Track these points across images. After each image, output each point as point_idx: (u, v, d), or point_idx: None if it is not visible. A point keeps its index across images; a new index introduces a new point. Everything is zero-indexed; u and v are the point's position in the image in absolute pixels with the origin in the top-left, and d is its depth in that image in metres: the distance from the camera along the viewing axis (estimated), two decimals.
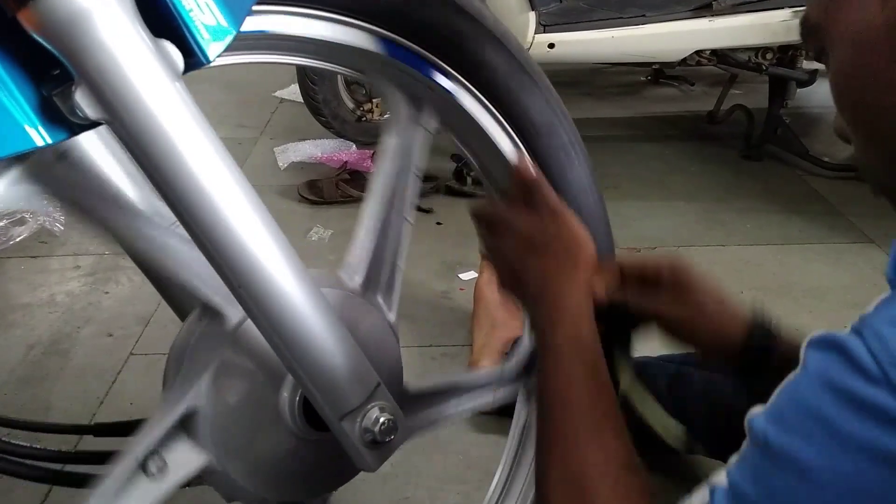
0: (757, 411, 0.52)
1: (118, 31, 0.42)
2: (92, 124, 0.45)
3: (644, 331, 0.79)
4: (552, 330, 0.68)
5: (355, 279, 0.69)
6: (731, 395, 1.10)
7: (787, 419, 0.49)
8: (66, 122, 0.45)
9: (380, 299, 0.70)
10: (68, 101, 0.44)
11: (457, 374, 0.77)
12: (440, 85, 0.68)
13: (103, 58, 0.42)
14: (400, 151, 0.71)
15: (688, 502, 0.53)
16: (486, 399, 0.79)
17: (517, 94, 0.71)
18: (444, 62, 0.67)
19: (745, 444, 0.52)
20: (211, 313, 0.61)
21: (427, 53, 0.66)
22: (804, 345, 0.51)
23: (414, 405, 0.71)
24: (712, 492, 0.51)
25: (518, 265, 0.72)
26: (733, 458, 0.52)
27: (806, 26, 0.56)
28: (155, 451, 0.59)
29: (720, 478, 0.52)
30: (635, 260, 0.77)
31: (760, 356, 0.72)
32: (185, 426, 0.60)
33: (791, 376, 0.51)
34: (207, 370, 0.60)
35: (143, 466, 0.58)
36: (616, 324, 0.75)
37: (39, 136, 0.45)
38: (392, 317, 0.70)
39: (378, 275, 0.70)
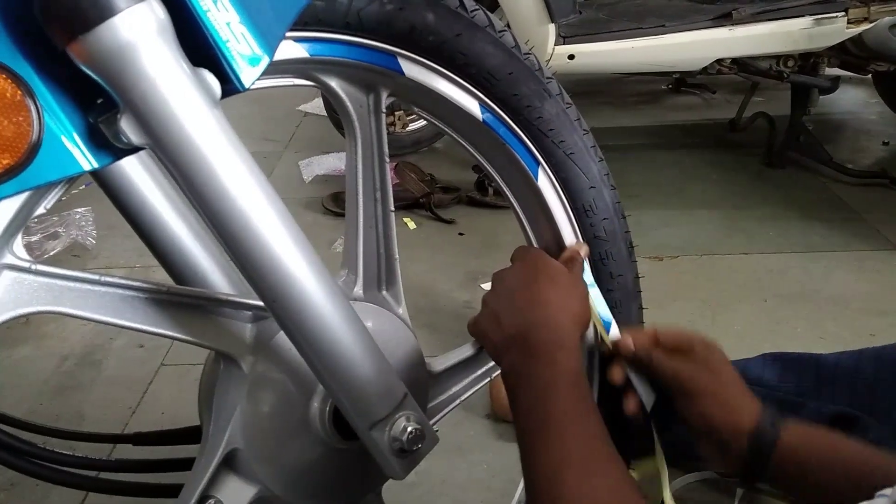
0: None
1: (160, 62, 0.45)
2: (135, 149, 0.48)
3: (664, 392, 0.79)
4: (544, 361, 0.66)
5: (353, 286, 0.71)
6: None
7: None
8: (111, 147, 0.48)
9: (384, 294, 0.72)
10: (113, 127, 0.47)
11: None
12: (402, 72, 0.67)
13: (147, 87, 0.45)
14: (367, 144, 0.72)
15: None
16: None
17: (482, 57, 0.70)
18: (406, 49, 0.66)
19: None
20: (225, 358, 0.64)
21: (380, 44, 0.65)
22: None
23: (443, 382, 0.74)
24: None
25: (498, 307, 0.71)
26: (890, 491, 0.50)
27: None
28: (208, 495, 0.62)
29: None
30: (672, 330, 0.78)
31: (769, 439, 0.72)
32: (230, 465, 0.63)
33: None
34: (236, 411, 0.63)
35: None
36: (640, 382, 0.77)
37: (86, 160, 0.48)
38: (400, 310, 0.72)
39: (377, 272, 0.72)
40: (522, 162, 0.75)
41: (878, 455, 0.69)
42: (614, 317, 0.80)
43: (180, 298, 0.60)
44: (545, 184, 0.76)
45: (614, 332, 0.79)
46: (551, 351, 0.66)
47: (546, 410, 0.62)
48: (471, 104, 0.71)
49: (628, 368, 0.77)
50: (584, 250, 0.78)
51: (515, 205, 0.79)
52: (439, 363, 0.75)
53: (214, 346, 0.63)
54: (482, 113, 0.72)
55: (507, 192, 0.79)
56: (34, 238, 1.93)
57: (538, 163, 0.75)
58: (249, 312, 0.63)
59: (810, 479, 0.71)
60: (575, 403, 0.63)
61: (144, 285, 0.58)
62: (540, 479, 0.59)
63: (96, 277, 0.56)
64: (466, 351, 0.78)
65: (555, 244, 0.79)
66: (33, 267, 0.53)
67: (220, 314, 0.62)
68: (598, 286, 0.80)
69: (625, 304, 0.83)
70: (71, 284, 0.55)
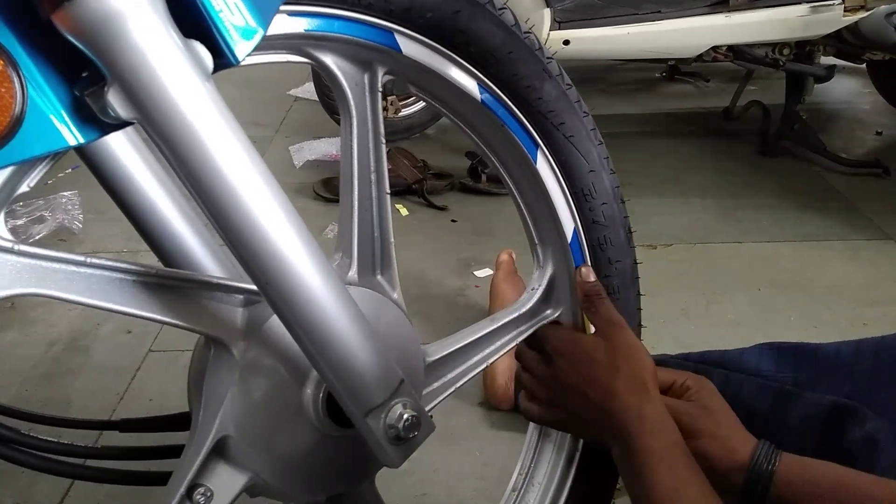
0: None
1: (150, 32, 0.43)
2: (123, 123, 0.46)
3: None
4: (640, 434, 0.69)
5: (348, 269, 0.69)
6: (750, 394, 1.10)
7: None
8: (98, 122, 0.46)
9: (379, 279, 0.71)
10: (100, 100, 0.45)
11: (476, 325, 0.77)
12: (400, 50, 0.66)
13: (135, 59, 0.43)
14: (363, 123, 0.69)
15: None
16: (510, 340, 0.79)
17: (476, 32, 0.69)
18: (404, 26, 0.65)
19: None
20: (215, 343, 0.62)
21: (377, 20, 0.63)
22: None
23: (439, 369, 0.73)
24: None
25: (578, 384, 0.74)
26: None
27: None
28: (198, 483, 0.60)
29: None
30: (667, 372, 0.79)
31: (764, 472, 0.72)
32: (220, 452, 0.61)
33: None
34: (227, 397, 0.61)
35: (189, 498, 0.60)
36: None
37: (72, 135, 0.46)
38: (395, 294, 0.71)
39: (372, 256, 0.70)
40: (521, 144, 0.73)
41: (879, 485, 0.69)
42: (612, 303, 0.78)
43: (169, 281, 0.58)
44: (544, 167, 0.75)
45: None
46: (637, 423, 0.70)
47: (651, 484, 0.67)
48: (470, 84, 0.69)
49: None
50: (592, 275, 0.78)
51: (513, 189, 0.78)
52: (434, 350, 0.74)
53: (205, 331, 0.61)
54: (481, 93, 0.70)
55: (505, 176, 0.77)
56: (20, 222, 1.90)
57: (537, 145, 0.74)
58: (241, 296, 0.61)
59: None
60: (677, 472, 0.67)
61: (132, 267, 0.56)
62: None
63: (82, 259, 0.54)
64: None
65: (554, 230, 0.77)
66: (16, 247, 0.51)
67: (210, 298, 0.60)
68: (596, 273, 0.79)
69: (623, 290, 0.82)
70: (56, 266, 0.53)
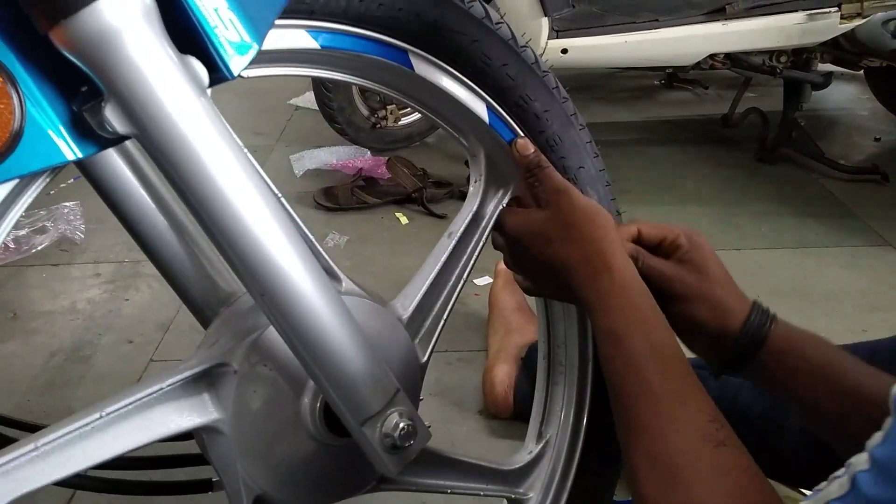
0: None
1: (146, 48, 0.44)
2: (120, 138, 0.47)
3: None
4: (605, 315, 0.66)
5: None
6: (747, 398, 1.10)
7: None
8: (96, 137, 0.47)
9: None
10: (98, 116, 0.45)
11: (433, 253, 0.75)
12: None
13: (132, 74, 0.44)
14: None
15: (823, 493, 0.48)
16: (473, 249, 0.76)
17: None
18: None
19: (889, 421, 0.47)
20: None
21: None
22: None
23: (419, 316, 0.73)
24: (854, 478, 0.46)
25: (543, 265, 0.72)
26: (873, 441, 0.47)
27: None
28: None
29: (859, 463, 0.47)
30: (655, 227, 0.75)
31: (756, 335, 0.70)
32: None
33: None
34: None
35: None
36: None
37: (70, 150, 0.46)
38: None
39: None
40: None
41: (875, 379, 0.66)
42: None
43: (124, 410, 0.58)
44: None
45: None
46: (596, 301, 0.66)
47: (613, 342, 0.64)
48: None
49: None
50: (531, 149, 0.72)
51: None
52: (405, 303, 0.73)
53: (186, 429, 0.61)
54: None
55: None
56: (22, 232, 1.91)
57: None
58: (201, 381, 0.61)
59: (797, 392, 0.69)
60: (636, 353, 0.63)
61: (83, 422, 0.55)
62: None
63: (32, 446, 0.53)
64: None
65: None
66: None
67: (172, 399, 0.60)
68: None
69: None
70: (11, 466, 0.52)
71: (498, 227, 0.76)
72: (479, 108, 0.70)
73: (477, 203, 0.75)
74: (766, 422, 1.03)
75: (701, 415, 0.60)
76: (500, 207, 0.76)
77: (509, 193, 0.76)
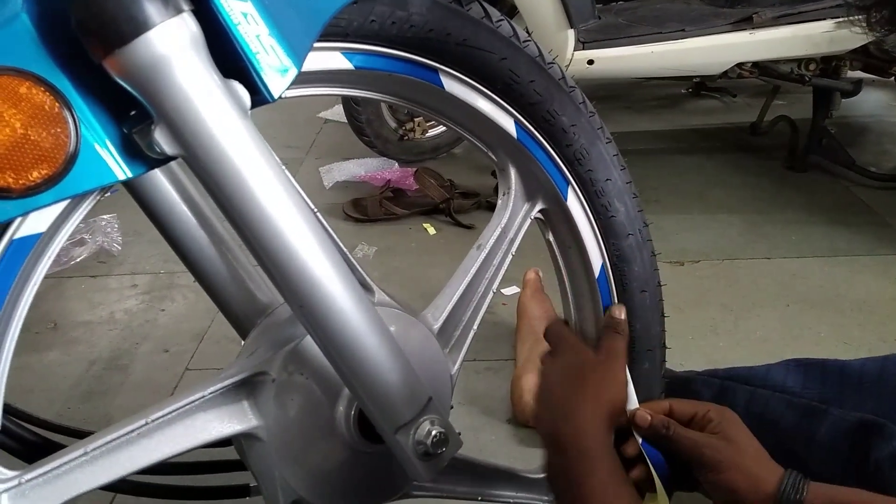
0: None
1: (193, 74, 0.46)
2: (168, 158, 0.49)
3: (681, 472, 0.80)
4: (574, 466, 0.70)
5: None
6: (776, 410, 1.10)
7: None
8: (145, 157, 0.50)
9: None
10: (147, 138, 0.48)
11: (463, 264, 0.79)
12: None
13: (180, 99, 0.46)
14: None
15: None
16: (502, 259, 0.80)
17: None
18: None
19: None
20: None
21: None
22: None
23: (450, 326, 0.75)
24: None
25: (556, 387, 0.76)
26: None
27: None
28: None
29: None
30: (687, 403, 0.79)
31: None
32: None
33: None
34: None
35: None
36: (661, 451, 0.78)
37: (121, 170, 0.49)
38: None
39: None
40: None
41: None
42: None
43: (170, 415, 0.61)
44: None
45: (632, 402, 0.80)
46: (575, 444, 0.70)
47: None
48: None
49: (642, 442, 0.78)
50: (623, 314, 0.81)
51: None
52: (436, 315, 0.75)
53: (227, 436, 0.64)
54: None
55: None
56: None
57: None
58: (242, 389, 0.64)
59: None
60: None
61: (130, 427, 0.59)
62: None
63: (81, 451, 0.57)
64: None
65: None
66: (22, 480, 0.54)
67: (214, 407, 0.63)
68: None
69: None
70: (66, 469, 0.56)
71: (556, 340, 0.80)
72: (508, 123, 0.72)
73: (506, 216, 0.77)
74: (795, 434, 1.03)
75: None
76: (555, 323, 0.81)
77: (537, 206, 0.78)
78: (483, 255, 0.77)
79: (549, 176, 0.75)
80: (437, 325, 0.73)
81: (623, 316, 0.82)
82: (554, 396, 0.75)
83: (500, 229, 0.77)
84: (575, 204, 0.77)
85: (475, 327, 0.77)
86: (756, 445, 0.77)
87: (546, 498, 0.84)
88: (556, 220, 0.80)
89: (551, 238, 0.82)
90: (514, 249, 0.78)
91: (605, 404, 0.74)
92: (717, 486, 0.74)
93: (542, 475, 0.84)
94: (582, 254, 0.79)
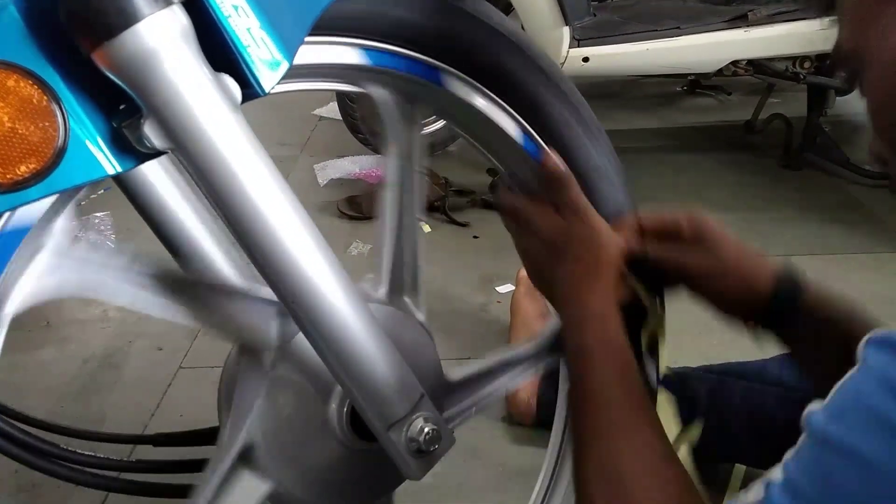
0: (815, 408, 0.52)
1: (183, 67, 0.46)
2: (158, 153, 0.49)
3: (670, 287, 0.79)
4: (580, 332, 0.69)
5: (379, 289, 0.73)
6: (772, 405, 1.10)
7: (847, 417, 0.49)
8: (134, 152, 0.49)
9: (407, 300, 0.73)
10: (137, 132, 0.48)
11: (499, 353, 0.79)
12: (446, 87, 0.69)
13: (170, 93, 0.46)
14: (402, 154, 0.74)
15: (742, 499, 0.52)
16: (529, 372, 0.81)
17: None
18: (448, 65, 0.68)
19: (802, 439, 0.51)
20: (248, 352, 0.64)
21: (425, 57, 0.67)
22: (863, 342, 0.51)
23: (460, 392, 0.75)
24: (767, 486, 0.51)
25: (544, 267, 0.74)
26: (789, 454, 0.52)
27: (839, 52, 0.57)
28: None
29: (775, 473, 0.51)
30: (653, 215, 0.76)
31: (788, 306, 0.71)
32: (246, 460, 0.64)
33: (851, 374, 0.51)
34: (254, 407, 0.63)
35: None
36: (642, 276, 0.75)
37: (110, 164, 0.49)
38: (421, 315, 0.73)
39: (401, 278, 0.74)
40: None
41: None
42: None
43: (212, 290, 0.62)
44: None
45: None
46: (571, 317, 0.70)
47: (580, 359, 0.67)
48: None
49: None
50: (558, 159, 0.72)
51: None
52: (457, 373, 0.76)
53: (243, 338, 0.64)
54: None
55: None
56: None
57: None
58: (274, 309, 0.64)
59: (828, 346, 0.72)
60: (606, 374, 0.66)
61: (179, 275, 0.59)
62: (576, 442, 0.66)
63: (129, 264, 0.59)
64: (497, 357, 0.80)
65: None
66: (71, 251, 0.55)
67: (248, 307, 0.63)
68: None
69: None
70: (106, 271, 0.58)
71: (511, 211, 0.77)
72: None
73: (545, 342, 0.80)
74: (790, 429, 1.03)
75: (653, 433, 0.63)
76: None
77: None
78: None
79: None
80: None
81: (560, 161, 0.72)
82: (545, 279, 0.74)
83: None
84: None
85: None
86: (739, 246, 0.74)
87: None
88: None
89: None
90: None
91: (590, 266, 0.70)
92: (710, 294, 0.73)
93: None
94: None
